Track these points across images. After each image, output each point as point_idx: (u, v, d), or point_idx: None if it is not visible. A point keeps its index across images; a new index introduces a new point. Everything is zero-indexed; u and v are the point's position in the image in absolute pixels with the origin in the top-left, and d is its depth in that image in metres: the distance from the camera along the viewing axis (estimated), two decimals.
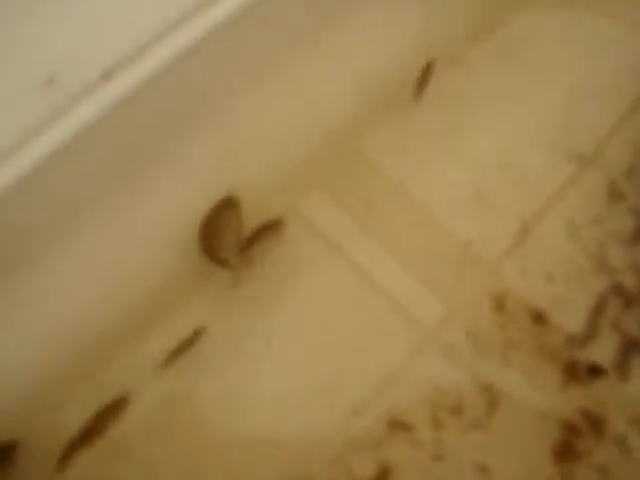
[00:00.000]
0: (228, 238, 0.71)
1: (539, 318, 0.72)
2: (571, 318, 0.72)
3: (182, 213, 0.71)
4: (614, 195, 0.77)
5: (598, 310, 0.72)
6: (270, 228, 0.75)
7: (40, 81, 0.59)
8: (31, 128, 0.58)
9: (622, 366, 0.70)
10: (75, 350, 0.68)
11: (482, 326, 0.72)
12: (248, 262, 0.73)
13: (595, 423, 0.68)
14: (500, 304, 0.72)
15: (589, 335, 0.71)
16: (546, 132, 0.82)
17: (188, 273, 0.73)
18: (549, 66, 0.85)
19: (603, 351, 0.70)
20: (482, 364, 0.70)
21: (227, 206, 0.71)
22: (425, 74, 0.82)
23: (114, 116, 0.61)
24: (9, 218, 0.59)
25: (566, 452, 0.67)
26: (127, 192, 0.67)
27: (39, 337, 0.66)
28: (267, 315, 0.73)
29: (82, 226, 0.65)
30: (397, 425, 0.68)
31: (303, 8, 0.71)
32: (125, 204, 0.67)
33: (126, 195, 0.67)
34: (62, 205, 0.63)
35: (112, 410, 0.68)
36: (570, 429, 0.67)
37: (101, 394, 0.68)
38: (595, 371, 0.69)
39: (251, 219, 0.74)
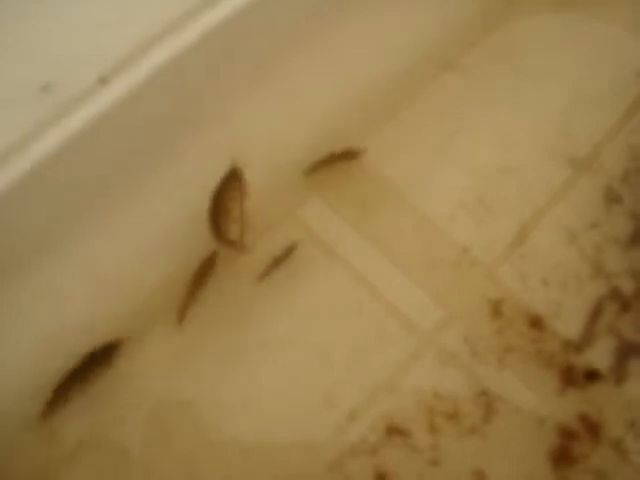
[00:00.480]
0: (234, 215, 0.71)
1: (536, 323, 0.71)
2: (568, 323, 0.72)
3: (182, 210, 0.72)
4: (611, 199, 0.77)
5: (595, 315, 0.72)
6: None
7: (36, 87, 0.59)
8: (27, 132, 0.58)
9: (619, 370, 0.70)
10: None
11: (479, 331, 0.72)
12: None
13: (592, 427, 0.68)
14: (497, 309, 0.72)
15: (586, 340, 0.71)
16: (544, 136, 0.82)
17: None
18: (546, 70, 0.85)
19: (600, 356, 0.70)
20: (479, 369, 0.70)
21: (232, 180, 0.71)
22: None
23: (110, 120, 0.61)
24: (5, 221, 0.60)
25: (563, 457, 0.67)
26: (126, 192, 0.67)
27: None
28: (264, 320, 0.73)
29: (82, 228, 0.65)
30: (394, 430, 0.68)
31: (299, 11, 0.71)
32: (124, 204, 0.67)
33: (125, 196, 0.67)
34: (60, 208, 0.63)
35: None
36: (567, 434, 0.67)
37: None
38: (592, 376, 0.69)
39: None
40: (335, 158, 0.77)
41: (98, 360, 0.68)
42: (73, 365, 0.67)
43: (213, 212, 0.71)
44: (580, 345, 0.71)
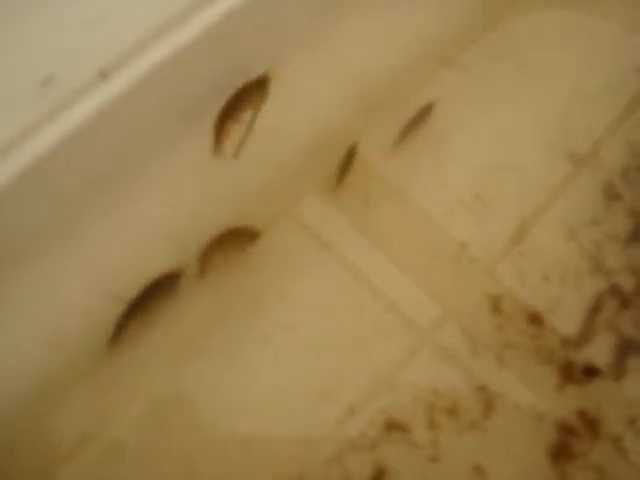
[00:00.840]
0: (243, 120, 0.70)
1: (535, 319, 0.72)
2: (567, 319, 0.72)
3: (183, 208, 0.72)
4: (610, 196, 0.77)
5: (594, 311, 0.72)
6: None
7: (36, 81, 0.59)
8: (27, 127, 0.58)
9: (618, 367, 0.70)
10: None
11: (478, 327, 0.72)
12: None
13: (591, 424, 0.68)
14: (496, 305, 0.73)
15: (585, 336, 0.71)
16: (543, 133, 0.82)
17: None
18: (546, 67, 0.86)
19: (599, 352, 0.71)
20: (478, 365, 0.70)
21: (258, 85, 0.69)
22: None
23: (111, 115, 0.61)
24: (5, 217, 0.60)
25: (562, 453, 0.67)
26: (126, 189, 0.67)
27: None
28: (263, 316, 0.73)
29: (81, 225, 0.65)
30: (393, 426, 0.68)
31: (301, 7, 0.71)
32: (124, 201, 0.67)
33: (125, 192, 0.67)
34: (61, 204, 0.63)
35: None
36: (566, 430, 0.68)
37: None
38: (591, 372, 0.70)
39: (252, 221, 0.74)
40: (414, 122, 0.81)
41: (159, 290, 0.70)
42: (136, 295, 0.69)
43: (225, 109, 0.68)
44: (579, 341, 0.71)
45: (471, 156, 0.81)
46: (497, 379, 0.70)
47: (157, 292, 0.70)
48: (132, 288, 0.69)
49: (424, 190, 0.79)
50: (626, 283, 0.73)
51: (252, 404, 0.70)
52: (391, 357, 0.71)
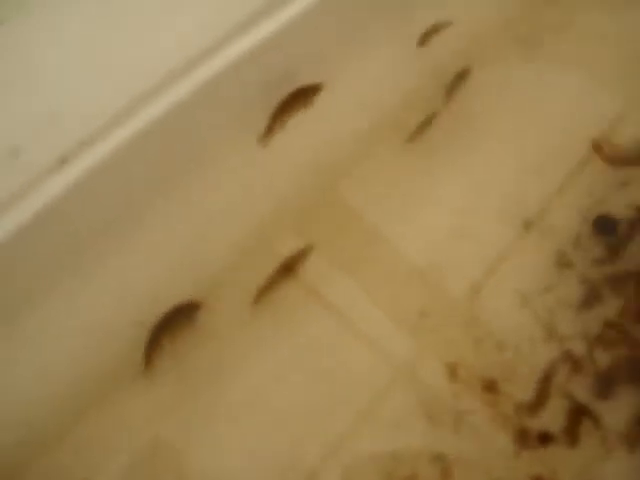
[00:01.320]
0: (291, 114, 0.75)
1: (490, 387, 0.73)
2: (521, 386, 0.73)
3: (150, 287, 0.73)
4: (562, 263, 0.79)
5: (547, 378, 0.73)
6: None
7: (4, 152, 0.61)
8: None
9: (571, 432, 0.71)
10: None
11: (435, 395, 0.73)
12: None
13: None
14: (453, 373, 0.74)
15: (539, 403, 0.72)
16: (496, 202, 0.85)
17: None
18: (501, 131, 0.89)
19: (553, 418, 0.72)
20: (435, 433, 0.71)
21: (308, 90, 0.75)
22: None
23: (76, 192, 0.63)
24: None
25: None
26: (92, 261, 0.68)
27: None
28: (230, 383, 0.74)
29: (48, 299, 0.67)
30: None
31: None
32: (89, 273, 0.69)
33: (92, 264, 0.68)
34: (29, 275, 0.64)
35: None
36: None
37: None
38: (545, 438, 0.71)
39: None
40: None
41: (183, 314, 0.74)
42: (161, 317, 0.73)
43: (283, 102, 0.74)
44: (533, 408, 0.72)
45: (428, 225, 0.84)
46: (454, 446, 0.71)
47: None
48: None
49: (382, 259, 0.81)
50: (579, 349, 0.75)
51: (224, 470, 0.71)
52: (349, 424, 0.72)
